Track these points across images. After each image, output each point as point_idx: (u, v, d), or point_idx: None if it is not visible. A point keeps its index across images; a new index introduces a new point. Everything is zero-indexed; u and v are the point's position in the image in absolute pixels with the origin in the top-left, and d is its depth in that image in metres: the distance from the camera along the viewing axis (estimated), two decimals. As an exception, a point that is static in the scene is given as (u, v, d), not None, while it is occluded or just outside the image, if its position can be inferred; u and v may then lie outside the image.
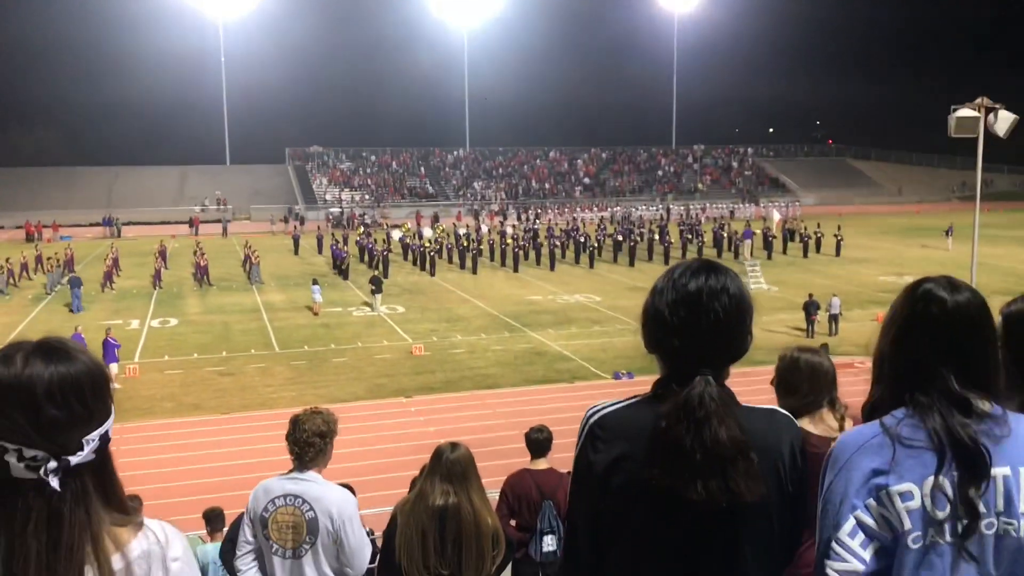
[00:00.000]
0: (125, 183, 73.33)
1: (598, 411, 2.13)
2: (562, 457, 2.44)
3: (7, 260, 37.33)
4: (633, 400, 2.11)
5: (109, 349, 21.68)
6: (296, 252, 49.04)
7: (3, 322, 29.69)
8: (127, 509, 1.71)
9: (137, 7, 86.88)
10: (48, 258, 39.08)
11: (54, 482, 1.58)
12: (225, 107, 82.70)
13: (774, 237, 46.85)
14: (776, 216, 51.36)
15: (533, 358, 24.33)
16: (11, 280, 36.57)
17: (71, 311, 31.35)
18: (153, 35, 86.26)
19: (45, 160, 77.97)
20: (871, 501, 1.89)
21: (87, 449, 1.62)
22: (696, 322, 2.02)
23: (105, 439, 1.67)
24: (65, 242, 50.69)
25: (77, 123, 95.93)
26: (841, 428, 3.51)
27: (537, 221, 63.24)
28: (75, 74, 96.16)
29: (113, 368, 21.50)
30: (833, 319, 26.90)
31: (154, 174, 75.90)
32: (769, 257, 44.39)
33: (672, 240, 45.91)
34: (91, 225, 63.20)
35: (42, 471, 1.57)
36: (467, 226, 53.10)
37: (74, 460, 1.60)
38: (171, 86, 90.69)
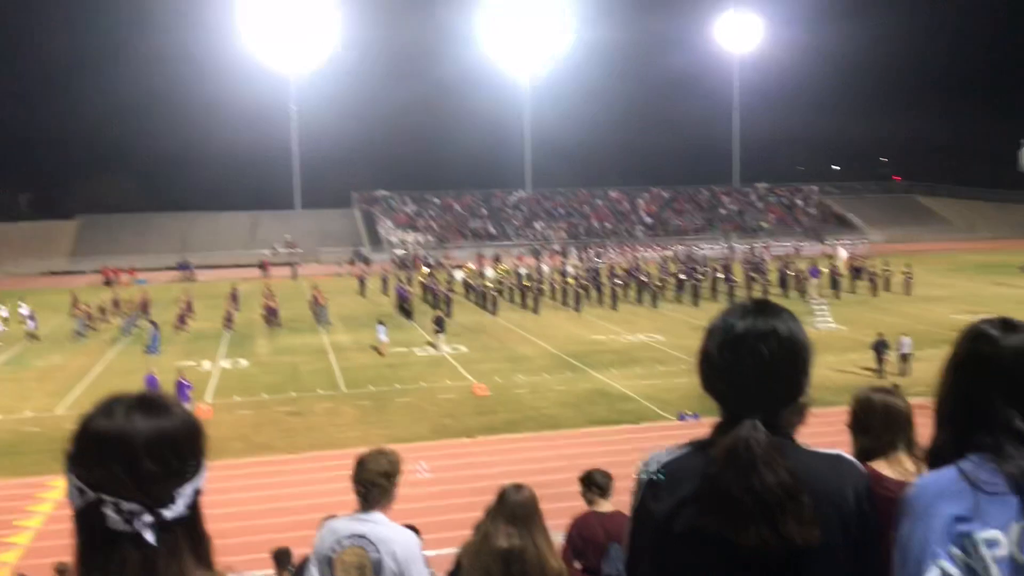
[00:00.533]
0: (199, 228, 75.57)
1: (657, 460, 2.12)
2: (625, 500, 2.42)
3: (86, 304, 38.64)
4: (690, 446, 2.10)
5: (181, 390, 22.21)
6: (362, 293, 49.75)
7: (80, 364, 30.67)
8: (212, 564, 1.72)
9: (211, 61, 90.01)
10: (125, 301, 40.34)
11: (149, 536, 1.60)
12: (295, 154, 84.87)
13: (841, 275, 45.97)
14: (843, 254, 50.47)
15: (596, 398, 24.18)
16: (89, 323, 37.79)
17: (147, 352, 32.23)
18: (226, 87, 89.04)
19: (123, 207, 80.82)
20: (955, 549, 1.81)
21: (180, 503, 1.64)
22: (742, 364, 2.01)
23: (197, 493, 1.69)
24: (141, 286, 52.27)
25: (154, 171, 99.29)
26: (919, 471, 3.42)
27: (599, 260, 63.14)
28: (152, 124, 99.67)
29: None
30: (904, 359, 26.20)
31: (227, 219, 78.08)
32: (837, 296, 43.53)
33: (736, 279, 45.33)
34: (166, 269, 65.08)
35: (137, 524, 1.59)
36: (528, 266, 53.30)
37: (168, 514, 1.61)
38: (243, 134, 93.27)
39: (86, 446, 1.62)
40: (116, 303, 41.39)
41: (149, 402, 1.66)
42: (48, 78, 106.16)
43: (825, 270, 46.53)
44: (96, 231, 73.84)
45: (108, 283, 56.38)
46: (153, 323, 34.35)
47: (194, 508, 1.68)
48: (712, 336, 2.08)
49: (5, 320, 37.54)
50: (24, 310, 38.20)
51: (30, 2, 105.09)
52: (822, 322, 34.20)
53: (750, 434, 1.95)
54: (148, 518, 1.60)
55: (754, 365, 2.00)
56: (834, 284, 45.03)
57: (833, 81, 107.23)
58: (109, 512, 1.58)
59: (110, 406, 1.65)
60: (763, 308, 2.09)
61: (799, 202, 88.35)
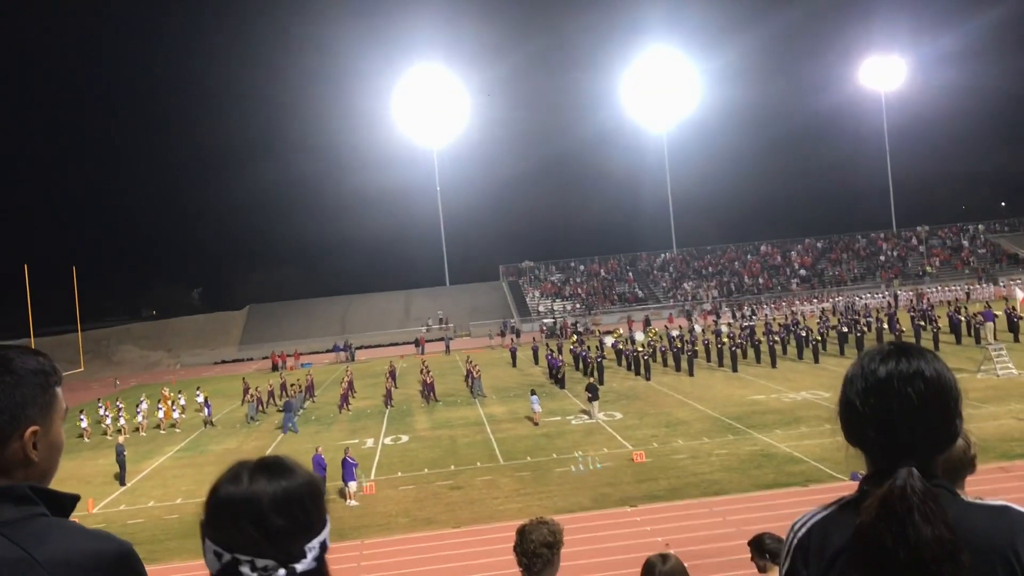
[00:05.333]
0: (357, 310, 78.77)
1: (804, 522, 2.02)
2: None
3: (256, 388, 40.72)
4: (839, 503, 1.99)
5: (347, 468, 22.88)
6: (514, 364, 50.21)
7: (254, 446, 32.19)
8: None
9: (359, 145, 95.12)
10: (291, 385, 42.27)
11: None
12: (442, 232, 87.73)
13: (1020, 318, 42.82)
14: (1020, 294, 47.05)
15: (761, 461, 23.26)
16: (260, 407, 39.73)
17: (282, 432, 34.03)
18: (375, 172, 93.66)
19: (286, 295, 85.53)
20: None
21: (309, 557, 1.73)
22: (889, 410, 1.90)
23: (324, 547, 1.78)
24: (305, 369, 54.69)
25: (314, 259, 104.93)
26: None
27: (753, 317, 61.45)
28: (310, 215, 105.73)
29: (352, 486, 22.66)
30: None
31: (382, 299, 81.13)
32: (1016, 339, 40.56)
33: (903, 328, 42.98)
34: (327, 351, 67.95)
35: None
36: (680, 327, 52.43)
37: (299, 567, 1.71)
38: (394, 217, 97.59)
39: (218, 512, 1.73)
40: (284, 387, 43.42)
41: (270, 465, 1.79)
42: (211, 178, 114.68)
43: (1000, 313, 43.53)
44: (262, 319, 78.19)
45: (275, 368, 59.29)
46: (287, 403, 35.87)
47: (320, 561, 1.77)
48: (852, 383, 1.98)
49: (183, 408, 40.03)
50: (200, 398, 40.70)
51: (189, 106, 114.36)
52: (1002, 368, 31.88)
53: (906, 482, 1.83)
54: (282, 572, 1.70)
55: (902, 410, 1.89)
56: (1012, 327, 42.01)
57: (991, 113, 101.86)
58: (246, 571, 1.69)
59: (236, 472, 1.78)
60: (904, 350, 1.98)
61: (965, 243, 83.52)
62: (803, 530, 2.01)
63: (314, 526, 1.75)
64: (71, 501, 1.91)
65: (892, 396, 1.91)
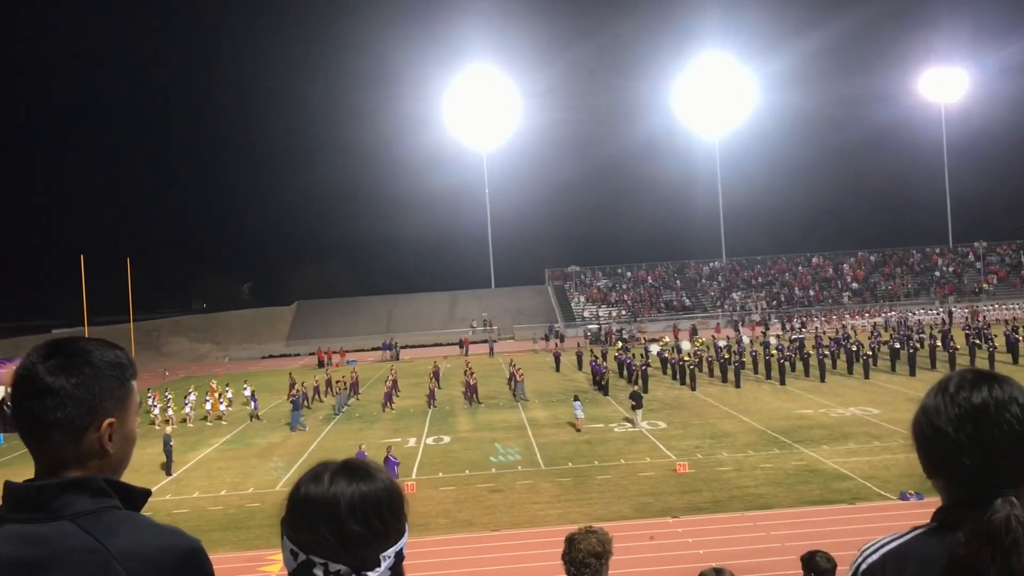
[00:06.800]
0: (403, 309, 79.29)
1: (878, 547, 1.93)
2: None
3: (302, 384, 41.15)
4: (915, 532, 1.90)
5: (389, 466, 22.97)
6: (557, 369, 50.08)
7: (297, 441, 32.51)
8: None
9: (410, 146, 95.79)
10: (337, 381, 42.63)
11: None
12: (490, 234, 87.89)
13: (1082, 338, 41.60)
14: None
15: (807, 476, 22.87)
16: (305, 402, 40.12)
17: (291, 430, 34.54)
18: (426, 173, 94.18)
19: (334, 292, 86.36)
20: None
21: (383, 566, 1.70)
22: (989, 437, 1.83)
23: (400, 557, 1.75)
24: (351, 366, 55.13)
25: (362, 258, 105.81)
26: None
27: (803, 330, 60.56)
28: (360, 214, 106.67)
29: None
30: None
31: (428, 300, 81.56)
32: (1078, 361, 39.39)
33: (957, 345, 42.00)
34: (373, 349, 68.45)
35: None
36: (727, 338, 51.84)
37: (371, 575, 1.68)
38: (442, 218, 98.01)
39: (296, 510, 1.72)
40: (329, 383, 43.81)
41: (352, 468, 1.76)
42: (264, 175, 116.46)
43: (1061, 333, 42.27)
44: (310, 315, 79.08)
45: (321, 364, 59.87)
46: (294, 401, 36.31)
47: (397, 571, 1.75)
48: (940, 412, 1.89)
49: (230, 401, 40.57)
50: (247, 391, 41.24)
51: (243, 104, 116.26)
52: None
53: (1009, 512, 1.75)
54: None
55: (1001, 436, 1.82)
56: (1073, 349, 40.80)
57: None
58: (319, 573, 1.67)
59: (318, 472, 1.76)
60: (991, 377, 1.91)
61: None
62: (875, 556, 1.92)
63: (391, 534, 1.73)
64: (143, 495, 1.92)
65: (990, 423, 1.84)
